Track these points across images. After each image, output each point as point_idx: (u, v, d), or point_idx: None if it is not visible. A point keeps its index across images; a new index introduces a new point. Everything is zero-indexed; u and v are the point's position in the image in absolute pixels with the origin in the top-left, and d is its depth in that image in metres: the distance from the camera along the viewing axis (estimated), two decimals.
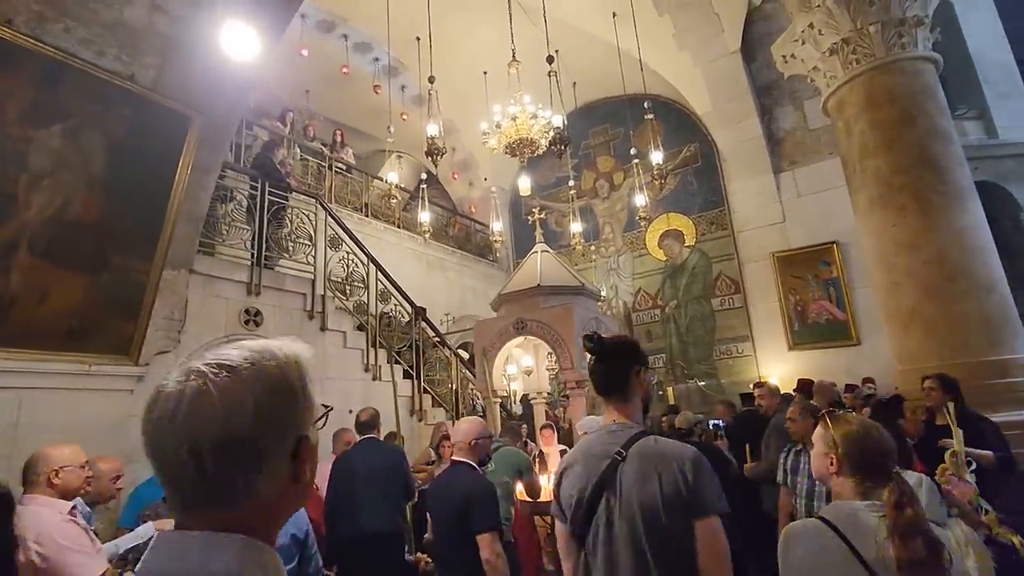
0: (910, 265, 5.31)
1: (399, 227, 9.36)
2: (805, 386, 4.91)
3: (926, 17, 5.71)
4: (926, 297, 5.19)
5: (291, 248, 5.53)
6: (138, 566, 0.58)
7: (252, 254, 5.09)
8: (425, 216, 7.77)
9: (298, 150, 7.88)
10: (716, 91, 8.98)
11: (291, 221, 5.62)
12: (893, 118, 5.57)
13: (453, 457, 2.74)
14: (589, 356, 1.68)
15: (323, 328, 5.66)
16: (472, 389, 7.18)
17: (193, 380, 0.57)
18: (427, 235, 7.85)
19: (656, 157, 6.50)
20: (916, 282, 5.26)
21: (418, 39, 7.68)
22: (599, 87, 10.49)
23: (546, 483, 5.18)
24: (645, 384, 1.64)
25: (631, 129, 10.19)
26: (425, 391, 6.86)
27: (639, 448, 1.48)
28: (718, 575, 1.34)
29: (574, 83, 10.48)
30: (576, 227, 8.59)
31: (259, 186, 5.25)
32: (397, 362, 6.56)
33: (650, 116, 6.61)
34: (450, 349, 7.34)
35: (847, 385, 6.51)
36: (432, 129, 5.67)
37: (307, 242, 5.70)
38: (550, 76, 5.57)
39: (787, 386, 6.82)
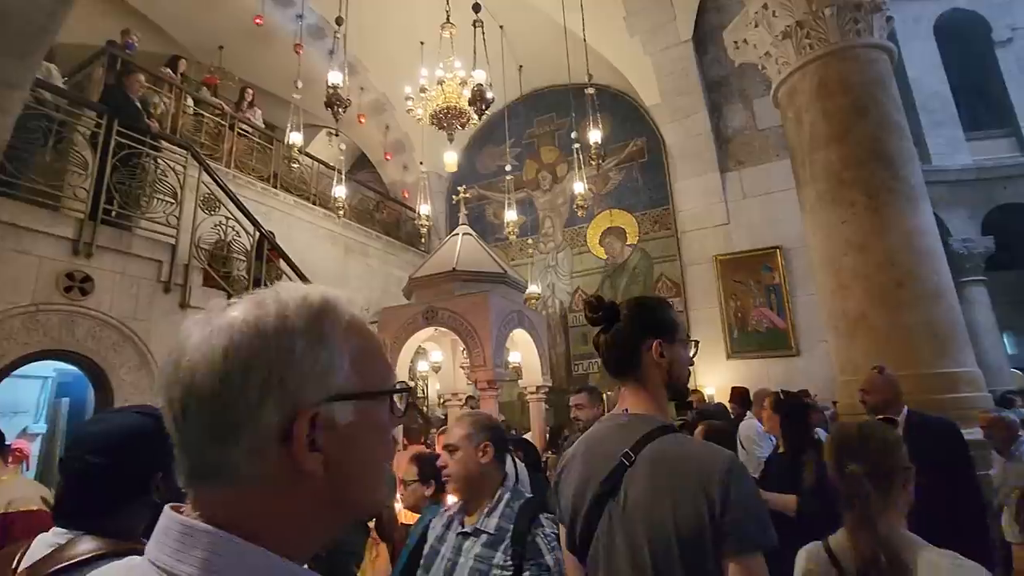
0: (858, 267, 4.86)
1: (314, 203, 8.35)
2: (740, 395, 4.33)
3: (883, 3, 5.34)
4: (874, 303, 4.73)
5: (144, 204, 4.49)
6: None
7: (87, 205, 4.04)
8: (340, 191, 6.85)
9: (191, 102, 6.78)
10: (666, 82, 8.51)
11: (148, 171, 4.58)
12: (845, 108, 5.14)
13: None
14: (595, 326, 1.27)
15: (184, 304, 4.64)
16: None
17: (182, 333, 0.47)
18: (342, 212, 6.92)
19: (594, 136, 5.85)
20: (865, 286, 4.80)
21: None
22: (547, 73, 9.86)
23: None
24: (669, 362, 1.20)
25: (578, 120, 9.61)
26: None
27: (654, 450, 1.10)
28: None
29: (520, 67, 9.81)
30: (511, 215, 7.84)
31: (104, 123, 4.21)
32: None
33: (590, 91, 5.96)
34: None
35: None
36: (334, 77, 4.80)
37: (170, 199, 4.67)
38: (475, 26, 4.80)
39: (723, 397, 6.29)
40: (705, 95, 8.56)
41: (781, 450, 2.88)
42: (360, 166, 12.64)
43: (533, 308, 9.04)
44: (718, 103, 8.70)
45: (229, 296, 3.98)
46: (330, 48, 9.35)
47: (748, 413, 4.07)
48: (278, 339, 0.46)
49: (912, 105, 12.46)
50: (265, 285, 5.61)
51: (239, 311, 0.47)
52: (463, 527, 1.66)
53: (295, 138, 5.67)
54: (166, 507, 0.47)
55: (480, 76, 5.02)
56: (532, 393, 5.74)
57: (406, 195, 11.01)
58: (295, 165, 5.87)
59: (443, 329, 5.35)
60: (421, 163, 10.43)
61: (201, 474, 0.46)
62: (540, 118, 10.54)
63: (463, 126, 6.58)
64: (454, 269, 5.35)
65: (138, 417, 1.00)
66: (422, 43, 8.12)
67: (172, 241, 4.63)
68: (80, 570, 0.85)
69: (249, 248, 5.33)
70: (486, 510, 1.64)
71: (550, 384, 5.96)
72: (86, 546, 0.89)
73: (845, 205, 4.99)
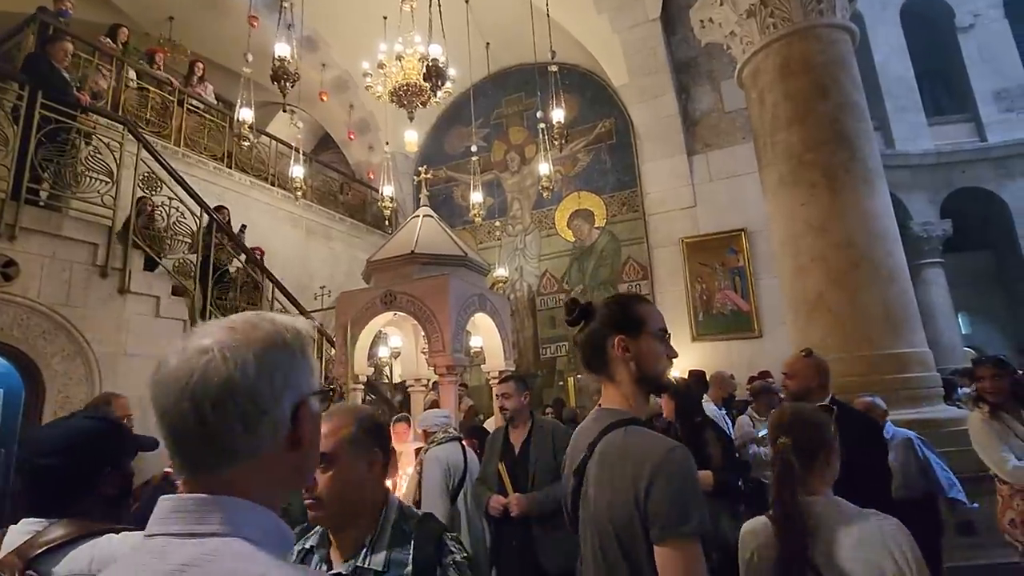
0: (817, 248, 4.88)
1: (272, 184, 8.05)
2: (697, 377, 4.33)
3: None
4: (832, 284, 4.77)
5: (75, 183, 4.20)
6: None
7: (9, 184, 3.75)
8: (298, 171, 6.59)
9: (133, 73, 6.38)
10: (633, 61, 8.38)
11: (79, 147, 4.28)
12: (807, 89, 5.12)
13: None
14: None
15: (123, 290, 4.40)
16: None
17: (193, 342, 0.59)
18: (300, 193, 6.68)
19: (557, 115, 5.72)
20: (823, 267, 4.83)
21: None
22: (515, 51, 9.61)
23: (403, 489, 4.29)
24: (635, 356, 1.22)
25: (546, 99, 9.44)
26: None
27: (605, 443, 1.16)
28: None
29: (487, 44, 9.55)
30: (477, 197, 7.68)
31: (26, 95, 3.90)
32: None
33: (554, 68, 5.80)
34: (316, 326, 6.25)
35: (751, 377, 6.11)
36: (281, 49, 4.55)
37: (105, 178, 4.39)
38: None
39: None
40: (673, 76, 8.48)
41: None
42: (324, 146, 12.25)
43: (501, 292, 8.94)
44: (686, 84, 8.63)
45: (173, 282, 3.72)
46: (289, 22, 8.98)
47: (704, 396, 4.08)
48: (287, 352, 0.62)
49: (878, 90, 12.65)
50: (216, 267, 5.38)
51: (244, 327, 0.61)
52: (331, 567, 1.19)
53: (245, 115, 5.38)
54: (163, 497, 0.57)
55: (436, 51, 4.83)
56: (495, 378, 5.66)
57: (371, 176, 10.72)
58: (246, 143, 5.60)
59: (403, 314, 5.22)
60: (387, 143, 10.16)
61: (216, 461, 0.57)
62: (508, 98, 10.33)
63: (424, 104, 6.36)
64: (412, 252, 5.19)
65: (88, 422, 1.15)
66: (385, 18, 7.82)
67: (108, 223, 4.37)
68: (63, 550, 1.00)
69: (195, 230, 5.08)
70: (367, 541, 1.18)
71: (513, 369, 5.89)
72: (64, 530, 1.02)
73: (805, 186, 4.99)
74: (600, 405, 1.27)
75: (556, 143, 5.55)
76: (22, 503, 1.10)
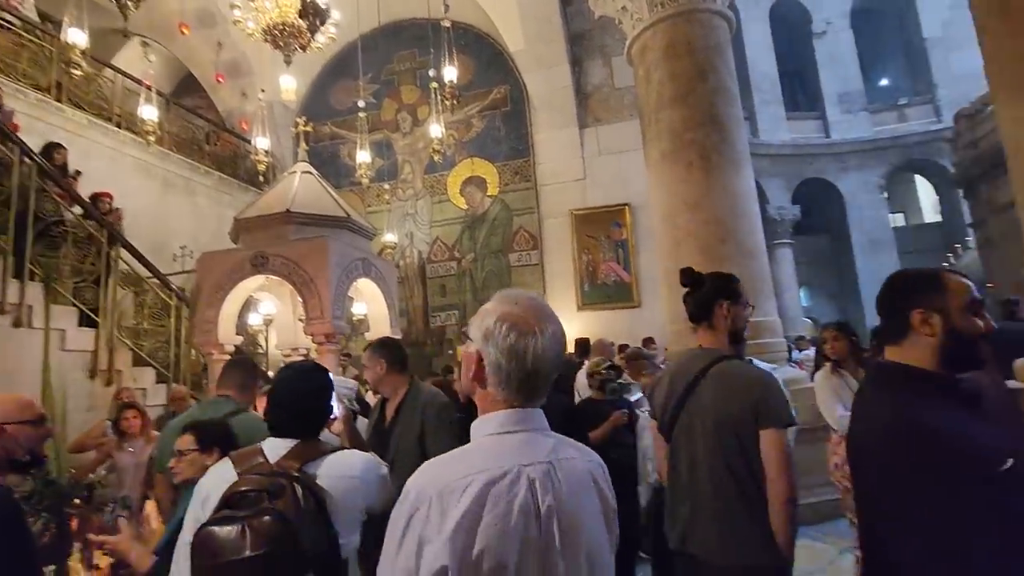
0: (691, 225, 5.20)
1: (118, 126, 6.92)
2: (581, 345, 4.47)
3: None
4: (702, 258, 5.10)
5: None
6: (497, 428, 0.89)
7: None
8: (150, 112, 5.70)
9: None
10: (530, 28, 8.29)
11: None
12: (689, 71, 5.35)
13: None
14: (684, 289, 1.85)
15: None
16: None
17: (547, 325, 0.92)
18: (153, 138, 5.78)
19: (449, 73, 5.48)
20: (695, 242, 5.16)
21: None
22: (408, 3, 9.08)
23: None
24: (732, 317, 1.76)
25: (439, 58, 9.05)
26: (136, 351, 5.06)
27: (718, 369, 1.70)
28: (777, 479, 1.55)
29: None
30: (364, 156, 7.21)
31: None
32: (72, 303, 4.64)
33: (447, 24, 5.53)
34: (171, 290, 5.55)
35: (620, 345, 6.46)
36: None
37: None
38: None
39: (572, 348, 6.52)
40: (568, 47, 8.52)
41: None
42: (188, 89, 10.78)
43: (390, 258, 8.59)
44: (580, 57, 8.72)
45: None
46: None
47: (585, 362, 4.24)
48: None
49: (748, 83, 13.79)
50: (39, 218, 4.51)
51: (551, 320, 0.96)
52: None
53: (75, 37, 4.49)
54: (491, 415, 0.92)
55: None
56: None
57: (245, 127, 9.64)
58: (78, 72, 4.68)
59: (277, 278, 4.78)
60: (262, 91, 9.18)
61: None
62: (400, 53, 9.77)
63: (303, 48, 5.75)
64: (288, 211, 4.75)
65: (322, 375, 1.54)
66: None
67: None
68: (316, 461, 1.35)
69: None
70: None
71: (399, 337, 5.69)
72: (315, 448, 1.39)
73: (683, 165, 5.27)
74: (701, 346, 1.81)
75: (448, 103, 5.31)
76: (279, 426, 1.41)
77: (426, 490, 0.82)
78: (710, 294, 1.78)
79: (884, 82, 16.73)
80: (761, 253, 5.37)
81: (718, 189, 5.17)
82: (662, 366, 4.43)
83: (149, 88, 5.89)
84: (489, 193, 9.07)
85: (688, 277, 1.83)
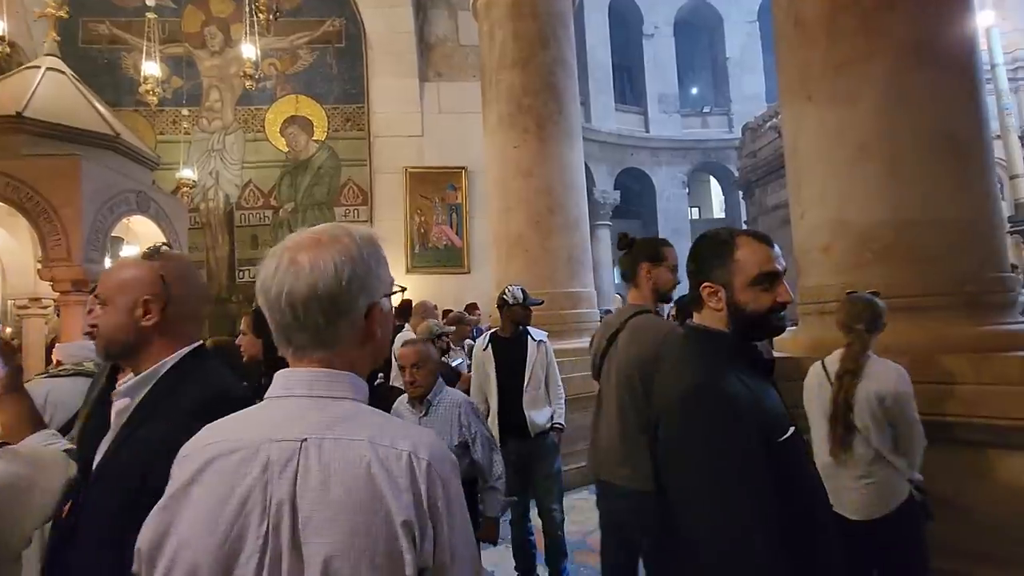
0: (523, 192, 5.20)
1: None
2: (403, 307, 4.21)
3: None
4: (531, 226, 5.16)
5: None
6: (270, 391, 0.75)
7: None
8: None
9: None
10: None
11: None
12: (532, 35, 5.28)
13: None
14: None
15: None
16: None
17: (285, 253, 0.73)
18: None
19: None
20: (526, 209, 5.18)
21: None
22: None
23: None
24: (653, 277, 2.03)
25: None
26: None
27: (633, 322, 2.00)
28: None
29: None
30: (152, 68, 5.87)
31: None
32: None
33: None
34: None
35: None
36: None
37: None
38: None
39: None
40: None
41: None
42: None
43: (187, 199, 7.26)
44: (424, 4, 8.17)
45: None
46: None
47: (406, 325, 4.00)
48: (365, 262, 0.75)
49: (586, 69, 14.49)
50: None
51: (335, 245, 0.74)
52: None
53: None
54: (296, 368, 0.75)
55: None
56: None
57: None
58: None
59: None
60: None
61: (319, 342, 0.73)
62: None
63: None
64: (19, 114, 3.59)
65: None
66: None
67: None
68: None
69: None
70: None
71: None
72: None
73: (519, 130, 5.21)
74: (627, 303, 2.12)
75: (263, 18, 4.49)
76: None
77: (183, 451, 0.72)
78: (635, 256, 2.04)
79: (694, 90, 18.92)
80: (585, 225, 5.61)
81: (552, 159, 5.24)
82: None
83: None
84: (315, 137, 8.14)
85: (622, 241, 2.11)
